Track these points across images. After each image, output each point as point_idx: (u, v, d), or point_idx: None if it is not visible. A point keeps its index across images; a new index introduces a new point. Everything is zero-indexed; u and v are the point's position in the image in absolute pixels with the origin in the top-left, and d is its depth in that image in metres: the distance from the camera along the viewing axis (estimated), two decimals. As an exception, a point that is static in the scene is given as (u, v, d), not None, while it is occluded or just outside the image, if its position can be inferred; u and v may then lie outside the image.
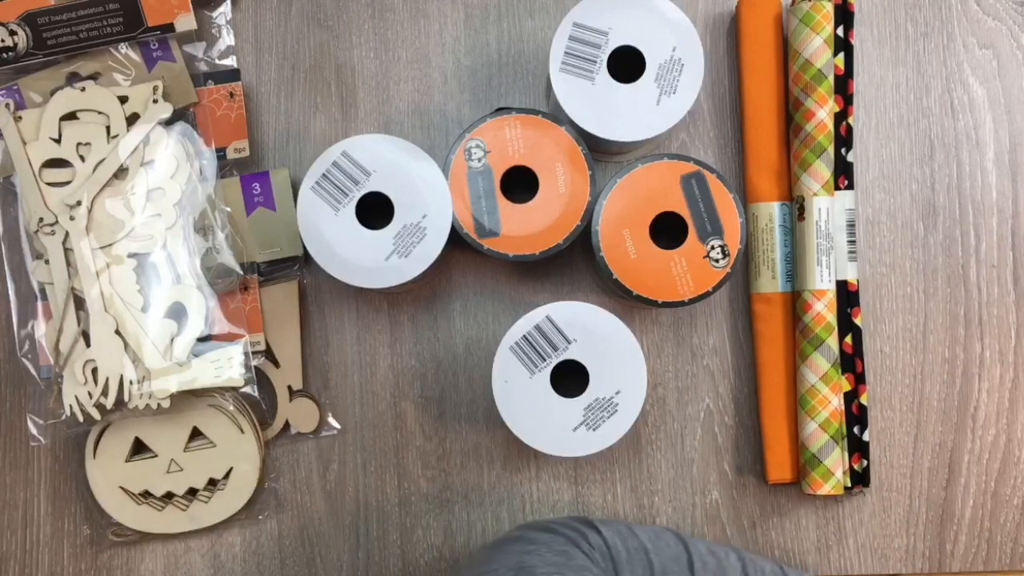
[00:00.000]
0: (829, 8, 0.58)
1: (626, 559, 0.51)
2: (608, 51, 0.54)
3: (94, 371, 0.56)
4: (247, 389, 0.58)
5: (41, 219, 0.56)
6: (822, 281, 0.58)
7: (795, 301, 0.59)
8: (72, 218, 0.56)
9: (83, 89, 0.57)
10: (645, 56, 0.54)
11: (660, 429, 0.61)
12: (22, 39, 0.58)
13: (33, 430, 0.59)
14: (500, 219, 0.55)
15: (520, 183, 0.56)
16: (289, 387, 0.61)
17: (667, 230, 0.55)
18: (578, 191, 0.55)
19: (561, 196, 0.55)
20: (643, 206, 0.54)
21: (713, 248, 0.54)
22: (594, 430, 0.53)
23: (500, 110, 0.55)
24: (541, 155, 0.55)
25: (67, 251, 0.57)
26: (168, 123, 0.58)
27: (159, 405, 0.56)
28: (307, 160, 0.62)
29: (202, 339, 0.58)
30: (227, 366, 0.57)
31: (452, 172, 0.55)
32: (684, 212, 0.54)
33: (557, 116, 0.56)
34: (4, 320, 0.61)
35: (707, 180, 0.54)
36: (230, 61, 0.61)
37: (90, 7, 0.57)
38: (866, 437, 0.59)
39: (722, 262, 0.54)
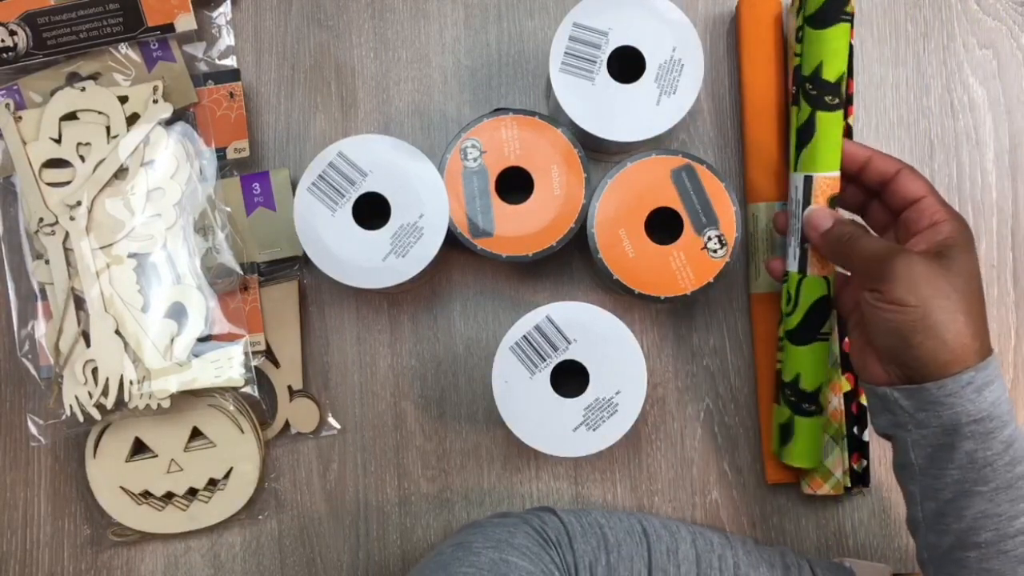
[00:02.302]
0: (829, 8, 0.58)
1: (580, 532, 0.52)
2: (608, 51, 0.54)
3: (94, 371, 0.56)
4: (247, 389, 0.58)
5: (41, 219, 0.57)
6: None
7: (795, 301, 0.59)
8: (72, 218, 0.56)
9: (83, 89, 0.57)
10: (645, 56, 0.54)
11: (660, 429, 0.61)
12: (22, 39, 0.58)
13: (33, 430, 0.59)
14: (494, 219, 0.55)
15: (515, 184, 0.56)
16: (289, 387, 0.61)
17: (663, 225, 0.55)
18: (573, 193, 0.55)
19: (556, 198, 0.55)
20: (636, 204, 0.54)
21: (710, 239, 0.54)
22: (594, 430, 0.53)
23: (498, 111, 0.55)
24: (537, 157, 0.55)
25: (67, 251, 0.57)
26: (168, 123, 0.58)
27: (159, 405, 0.56)
28: (307, 160, 0.62)
29: (202, 339, 0.58)
30: (227, 366, 0.57)
31: (447, 171, 0.55)
32: (678, 206, 0.54)
33: (555, 117, 0.56)
34: (4, 320, 0.61)
35: (697, 172, 0.54)
36: (230, 61, 0.61)
37: (90, 7, 0.57)
38: (866, 437, 0.59)
39: (720, 252, 0.54)
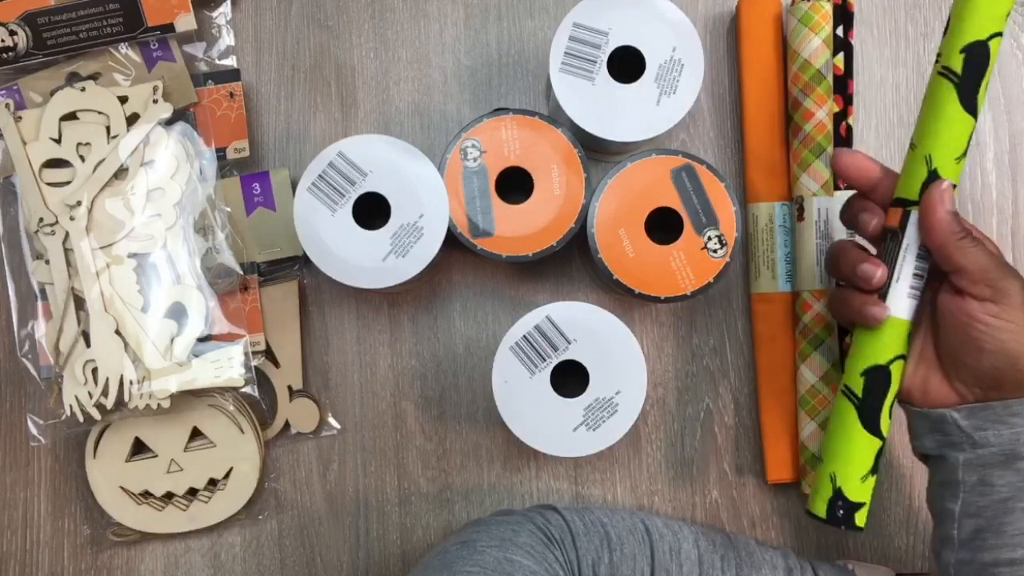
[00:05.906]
0: (828, 8, 0.58)
1: (583, 530, 0.52)
2: (608, 51, 0.54)
3: (94, 371, 0.56)
4: (247, 389, 0.58)
5: (41, 219, 0.57)
6: (821, 281, 0.58)
7: (795, 301, 0.59)
8: (72, 218, 0.56)
9: (83, 89, 0.57)
10: (645, 56, 0.54)
11: (660, 429, 0.61)
12: (22, 39, 0.58)
13: (33, 430, 0.59)
14: (494, 219, 0.55)
15: (516, 184, 0.56)
16: (289, 387, 0.61)
17: (663, 225, 0.55)
18: (573, 193, 0.55)
19: (556, 198, 0.55)
20: (636, 204, 0.54)
21: (710, 239, 0.54)
22: (594, 430, 0.53)
23: (498, 111, 0.55)
24: (537, 157, 0.55)
25: (67, 251, 0.57)
26: (168, 123, 0.58)
27: (159, 405, 0.56)
28: (307, 160, 0.62)
29: (202, 339, 0.58)
30: (227, 366, 0.57)
31: (447, 171, 0.55)
32: (677, 206, 0.54)
33: (555, 117, 0.56)
34: (4, 320, 0.61)
35: (697, 172, 0.54)
36: (230, 61, 0.61)
37: (90, 7, 0.57)
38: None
39: (720, 252, 0.54)
